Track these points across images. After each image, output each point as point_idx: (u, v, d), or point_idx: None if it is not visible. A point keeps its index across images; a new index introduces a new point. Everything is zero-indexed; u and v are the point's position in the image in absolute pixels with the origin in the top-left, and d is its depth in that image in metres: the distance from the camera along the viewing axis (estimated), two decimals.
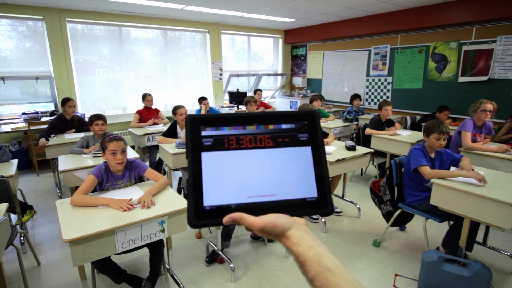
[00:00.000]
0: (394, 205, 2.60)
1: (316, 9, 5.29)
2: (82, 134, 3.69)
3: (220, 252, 2.43)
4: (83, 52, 5.45)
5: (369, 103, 6.48)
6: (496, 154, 2.91)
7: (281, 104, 7.79)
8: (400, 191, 2.62)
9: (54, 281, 2.27)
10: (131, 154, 2.90)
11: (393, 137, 3.70)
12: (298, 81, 7.98)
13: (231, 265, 2.30)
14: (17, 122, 4.92)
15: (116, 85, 5.89)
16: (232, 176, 0.48)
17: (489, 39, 4.62)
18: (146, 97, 4.65)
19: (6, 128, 4.64)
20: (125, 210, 1.79)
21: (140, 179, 2.30)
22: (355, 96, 5.40)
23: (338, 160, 2.83)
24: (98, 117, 3.16)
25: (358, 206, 3.31)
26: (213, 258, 2.47)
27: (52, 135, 3.75)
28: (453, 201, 2.09)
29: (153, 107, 4.79)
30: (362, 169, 4.62)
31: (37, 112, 5.02)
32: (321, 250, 0.44)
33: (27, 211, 3.12)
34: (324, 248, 0.45)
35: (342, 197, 3.50)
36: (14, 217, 3.07)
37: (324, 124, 4.63)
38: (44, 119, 4.82)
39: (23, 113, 4.95)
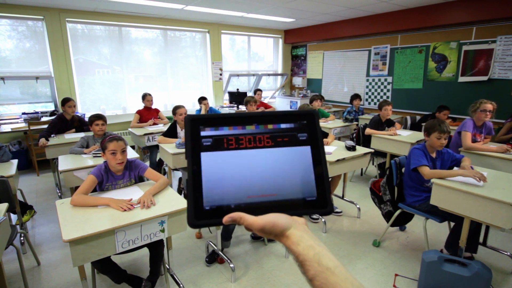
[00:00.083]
0: (394, 205, 2.60)
1: (316, 9, 5.29)
2: (82, 134, 3.69)
3: (220, 252, 2.43)
4: (83, 52, 5.45)
5: (369, 103, 6.48)
6: (496, 154, 2.91)
7: (281, 104, 7.79)
8: (400, 191, 2.62)
9: (54, 281, 2.27)
10: (131, 154, 2.90)
11: (393, 137, 3.70)
12: (298, 81, 7.98)
13: (231, 265, 2.30)
14: (17, 122, 4.92)
15: (116, 85, 5.89)
16: (232, 176, 0.48)
17: (489, 39, 4.62)
18: (146, 97, 4.66)
19: (6, 128, 4.64)
20: (125, 210, 1.79)
21: (140, 179, 2.30)
22: (355, 96, 5.40)
23: (338, 160, 2.83)
24: (98, 117, 3.16)
25: (358, 206, 3.31)
26: (213, 258, 2.47)
27: (52, 135, 3.75)
28: (453, 201, 2.09)
29: (153, 107, 4.79)
30: (362, 169, 4.62)
31: (37, 112, 5.02)
32: (321, 250, 0.44)
33: (27, 211, 3.12)
34: (324, 247, 0.45)
35: (342, 197, 3.50)
36: (14, 217, 3.07)
37: (324, 124, 4.63)
38: (44, 119, 4.83)
39: (23, 113, 4.95)
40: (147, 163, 4.42)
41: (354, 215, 3.29)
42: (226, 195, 0.48)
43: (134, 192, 2.05)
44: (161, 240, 2.00)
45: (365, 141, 4.06)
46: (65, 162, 2.75)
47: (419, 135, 3.83)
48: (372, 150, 3.27)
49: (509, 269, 2.38)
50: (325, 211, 0.49)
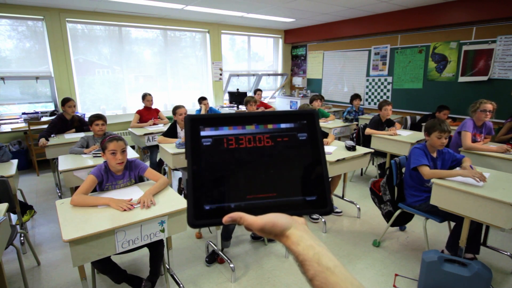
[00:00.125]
0: (394, 205, 2.60)
1: (316, 9, 5.29)
2: (82, 134, 3.69)
3: (220, 252, 2.43)
4: (83, 52, 5.45)
5: (369, 103, 6.48)
6: (496, 154, 2.91)
7: (281, 104, 7.78)
8: (400, 191, 2.62)
9: (54, 281, 2.27)
10: (131, 154, 2.90)
11: (393, 137, 3.70)
12: (298, 81, 7.98)
13: (231, 265, 2.30)
14: (17, 122, 4.92)
15: (116, 85, 5.89)
16: (232, 176, 0.48)
17: (489, 39, 4.62)
18: (146, 97, 4.66)
19: (6, 128, 4.64)
20: (124, 210, 1.79)
21: (140, 179, 2.30)
22: (355, 96, 5.39)
23: (338, 160, 2.83)
24: (98, 117, 3.16)
25: (358, 206, 3.31)
26: (213, 258, 2.47)
27: (52, 135, 3.75)
28: (453, 201, 2.08)
29: (153, 107, 4.79)
30: (362, 169, 4.62)
31: (37, 112, 5.02)
32: (321, 250, 0.44)
33: (27, 211, 3.12)
34: (324, 247, 0.45)
35: (342, 197, 3.50)
36: (14, 217, 3.07)
37: (324, 124, 4.63)
38: (44, 119, 4.83)
39: (23, 113, 4.95)
40: (147, 163, 4.43)
41: (354, 215, 3.29)
42: (226, 195, 0.48)
43: (134, 192, 2.05)
44: (161, 240, 2.00)
45: (365, 141, 4.06)
46: (65, 162, 2.75)
47: (419, 135, 3.83)
48: (372, 150, 3.27)
49: (509, 269, 2.37)
50: (325, 211, 0.49)
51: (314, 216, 3.15)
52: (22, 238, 2.72)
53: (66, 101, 3.94)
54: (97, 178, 2.04)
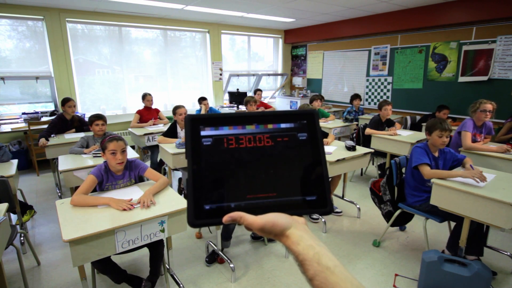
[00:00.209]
0: (394, 205, 2.60)
1: (316, 9, 5.29)
2: (82, 134, 3.69)
3: (220, 252, 2.43)
4: (83, 52, 5.45)
5: (369, 103, 6.48)
6: (496, 154, 2.91)
7: (281, 104, 7.78)
8: (400, 191, 2.62)
9: (54, 281, 2.27)
10: (131, 154, 2.90)
11: (393, 137, 3.70)
12: (298, 81, 7.98)
13: (231, 265, 2.30)
14: (17, 122, 4.92)
15: (116, 85, 5.89)
16: (232, 175, 0.48)
17: (489, 39, 4.62)
18: (146, 97, 4.66)
19: (6, 128, 4.64)
20: (124, 210, 1.79)
21: (140, 179, 2.30)
22: (355, 96, 5.39)
23: (338, 160, 2.83)
24: (98, 117, 3.16)
25: (358, 206, 3.31)
26: (213, 258, 2.47)
27: (52, 135, 3.75)
28: (453, 201, 2.08)
29: (153, 107, 4.79)
30: (362, 169, 4.62)
31: (37, 112, 5.02)
32: (321, 249, 0.44)
33: (27, 211, 3.12)
34: (324, 247, 0.45)
35: (342, 197, 3.50)
36: (14, 217, 3.07)
37: (324, 124, 4.63)
38: (44, 119, 4.83)
39: (23, 113, 4.95)
40: (148, 163, 4.43)
41: (354, 215, 3.29)
42: (226, 194, 0.48)
43: (134, 192, 2.05)
44: (161, 240, 2.00)
45: (365, 141, 4.06)
46: (65, 162, 2.75)
47: (419, 135, 3.83)
48: (372, 150, 3.27)
49: (509, 269, 2.37)
50: (325, 211, 0.49)
51: (314, 216, 3.15)
52: (22, 238, 2.72)
53: (66, 101, 3.94)
54: (97, 178, 2.04)
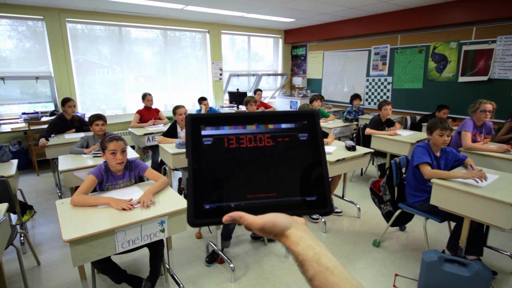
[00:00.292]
0: (394, 205, 2.60)
1: (316, 9, 5.29)
2: (82, 134, 3.69)
3: (220, 252, 2.43)
4: (83, 52, 5.45)
5: (369, 103, 6.48)
6: (496, 154, 2.92)
7: (281, 104, 7.79)
8: (400, 191, 2.62)
9: (54, 281, 2.27)
10: (131, 154, 2.90)
11: (393, 137, 3.70)
12: (298, 81, 7.98)
13: (231, 265, 2.30)
14: (17, 122, 4.92)
15: (116, 85, 5.89)
16: (232, 175, 0.48)
17: (489, 39, 4.63)
18: (146, 97, 4.66)
19: (6, 128, 4.64)
20: (124, 209, 1.79)
21: (140, 179, 2.30)
22: (355, 96, 5.40)
23: (338, 160, 2.83)
24: (98, 117, 3.16)
25: (358, 206, 3.31)
26: (213, 258, 2.47)
27: (52, 135, 3.75)
28: (453, 201, 2.08)
29: (153, 107, 4.79)
30: (362, 169, 4.62)
31: (37, 112, 5.02)
32: (320, 250, 0.44)
33: (27, 211, 3.12)
34: (323, 247, 0.45)
35: (342, 197, 3.50)
36: (14, 217, 3.07)
37: (324, 124, 4.63)
38: (44, 119, 4.83)
39: (23, 113, 4.95)
40: (148, 163, 4.43)
41: (354, 215, 3.29)
42: (226, 194, 0.48)
43: (134, 192, 2.05)
44: (161, 240, 2.00)
45: (365, 141, 4.06)
46: (65, 162, 2.75)
47: (419, 135, 3.83)
48: (372, 150, 3.27)
49: (509, 269, 2.38)
50: (325, 211, 0.49)
51: (314, 216, 3.15)
52: (22, 238, 2.72)
53: (66, 101, 3.94)
54: (97, 178, 2.04)
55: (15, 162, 2.81)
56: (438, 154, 2.45)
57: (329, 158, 2.79)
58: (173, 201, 1.96)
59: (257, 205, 0.48)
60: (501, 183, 2.12)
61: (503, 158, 2.86)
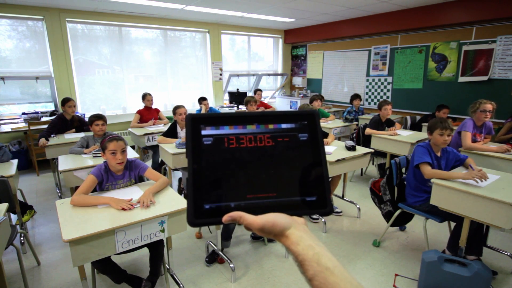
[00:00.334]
0: (394, 205, 2.60)
1: (316, 9, 5.29)
2: (82, 134, 3.69)
3: (220, 252, 2.43)
4: (83, 52, 5.45)
5: (369, 103, 6.48)
6: (496, 154, 2.92)
7: (281, 104, 7.79)
8: (400, 191, 2.62)
9: (54, 281, 2.27)
10: (131, 154, 2.90)
11: (393, 137, 3.70)
12: (298, 81, 7.98)
13: (231, 265, 2.30)
14: (17, 122, 4.92)
15: (116, 85, 5.89)
16: (232, 175, 0.48)
17: (489, 39, 4.62)
18: (146, 97, 4.66)
19: (6, 128, 4.64)
20: (124, 209, 1.79)
21: (140, 179, 2.30)
22: (355, 96, 5.40)
23: (338, 160, 2.83)
24: (98, 117, 3.16)
25: (358, 206, 3.31)
26: (213, 258, 2.47)
27: (52, 135, 3.75)
28: (453, 201, 2.08)
29: (153, 107, 4.79)
30: (362, 169, 4.62)
31: (37, 112, 5.02)
32: (320, 250, 0.44)
33: (27, 211, 3.12)
34: (323, 247, 0.45)
35: (342, 197, 3.50)
36: (14, 217, 3.07)
37: (324, 124, 4.63)
38: (44, 119, 4.83)
39: (23, 113, 4.95)
40: (148, 163, 4.43)
41: (354, 215, 3.29)
42: (226, 194, 0.48)
43: (134, 192, 2.05)
44: (161, 240, 2.00)
45: (365, 141, 4.06)
46: (65, 162, 2.75)
47: (419, 135, 3.83)
48: (372, 150, 3.27)
49: (509, 269, 2.38)
50: (325, 211, 0.49)
51: (314, 216, 3.15)
52: (22, 238, 2.72)
53: (66, 101, 3.94)
54: (97, 178, 2.04)
55: (15, 162, 2.81)
56: (439, 154, 2.44)
57: (329, 158, 2.79)
58: (173, 201, 1.96)
59: (257, 205, 0.48)
60: (501, 183, 2.12)
61: (503, 158, 2.86)
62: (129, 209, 1.81)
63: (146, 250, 2.05)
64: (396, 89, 5.97)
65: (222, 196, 0.47)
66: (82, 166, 2.67)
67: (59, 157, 2.94)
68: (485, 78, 4.70)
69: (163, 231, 1.85)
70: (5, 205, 1.94)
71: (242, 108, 6.34)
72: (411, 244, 2.74)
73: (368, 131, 3.96)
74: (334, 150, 3.09)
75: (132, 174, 2.22)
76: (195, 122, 0.49)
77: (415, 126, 4.99)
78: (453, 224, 2.35)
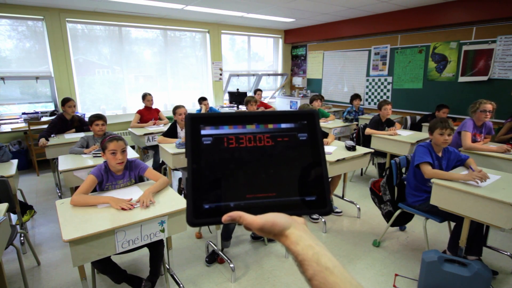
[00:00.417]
0: (394, 205, 2.60)
1: (316, 9, 5.29)
2: (82, 134, 3.69)
3: (220, 252, 2.43)
4: (83, 52, 5.45)
5: (369, 103, 6.48)
6: (496, 154, 2.92)
7: (281, 104, 7.79)
8: (400, 191, 2.62)
9: (54, 281, 2.27)
10: (131, 154, 2.90)
11: (393, 137, 3.70)
12: (298, 81, 7.98)
13: (231, 265, 2.30)
14: (17, 122, 4.92)
15: (116, 85, 5.89)
16: (231, 175, 0.48)
17: (489, 39, 4.62)
18: (146, 97, 4.66)
19: (6, 128, 4.64)
20: (123, 209, 1.79)
21: (140, 179, 2.30)
22: (355, 96, 5.39)
23: (338, 160, 2.83)
24: (98, 117, 3.16)
25: (358, 206, 3.31)
26: (213, 258, 2.47)
27: (52, 135, 3.75)
28: (453, 201, 2.08)
29: (153, 107, 4.79)
30: (362, 169, 4.62)
31: (37, 112, 5.02)
32: (320, 249, 0.44)
33: (27, 211, 3.12)
34: (323, 247, 0.45)
35: (342, 197, 3.50)
36: (14, 217, 3.07)
37: (324, 124, 4.63)
38: (44, 119, 4.83)
39: (23, 113, 4.95)
40: (149, 163, 4.43)
41: (354, 215, 3.29)
42: (225, 194, 0.48)
43: (134, 192, 2.05)
44: (161, 240, 2.00)
45: (365, 141, 4.06)
46: (65, 162, 2.75)
47: (419, 135, 3.83)
48: (372, 150, 3.27)
49: (509, 269, 2.37)
50: (325, 211, 0.49)
51: (314, 216, 3.15)
52: (22, 238, 2.72)
53: (66, 101, 3.94)
54: (97, 178, 2.04)
55: (15, 162, 2.81)
56: (440, 154, 2.44)
57: (329, 158, 2.79)
58: (173, 201, 1.96)
59: (256, 205, 0.48)
60: (501, 183, 2.12)
61: (503, 158, 2.86)
62: (129, 209, 1.81)
63: (146, 250, 2.05)
64: (396, 89, 5.97)
65: (221, 196, 0.47)
66: (82, 166, 2.67)
67: (59, 157, 2.94)
68: (485, 78, 4.70)
69: (163, 231, 1.85)
70: (5, 205, 1.94)
71: (242, 108, 6.34)
72: (411, 244, 2.74)
73: (368, 131, 3.96)
74: (334, 150, 3.09)
75: (132, 174, 2.22)
76: (195, 121, 0.49)
77: (415, 126, 4.98)
78: (453, 224, 2.35)
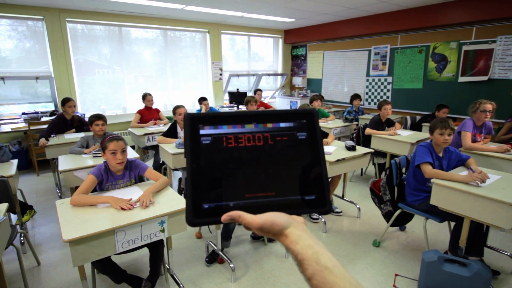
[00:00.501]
0: (394, 205, 2.60)
1: (316, 9, 5.29)
2: (82, 134, 3.69)
3: (220, 252, 2.43)
4: (83, 52, 5.45)
5: (369, 103, 6.48)
6: (496, 154, 2.91)
7: (281, 104, 7.79)
8: (400, 191, 2.62)
9: (54, 281, 2.27)
10: (131, 154, 2.90)
11: (393, 137, 3.70)
12: (298, 81, 7.98)
13: (231, 265, 2.30)
14: (17, 122, 4.92)
15: (116, 85, 5.89)
16: (231, 174, 0.48)
17: (489, 39, 4.62)
18: (146, 97, 4.66)
19: (6, 128, 4.64)
20: (123, 209, 1.79)
21: (140, 179, 2.30)
22: (355, 96, 5.39)
23: (338, 160, 2.83)
24: (98, 117, 3.16)
25: (358, 206, 3.31)
26: (213, 258, 2.47)
27: (52, 135, 3.76)
28: (453, 201, 2.08)
29: (153, 107, 4.79)
30: (362, 169, 4.62)
31: (37, 112, 5.02)
32: (319, 249, 0.44)
33: (27, 211, 3.12)
34: (322, 247, 0.45)
35: (342, 197, 3.50)
36: (14, 217, 3.07)
37: (324, 124, 4.63)
38: (44, 119, 4.83)
39: (23, 113, 4.95)
40: (149, 163, 4.43)
41: (354, 215, 3.29)
42: (225, 193, 0.48)
43: (134, 192, 2.05)
44: (161, 240, 2.00)
45: (365, 141, 4.06)
46: (65, 162, 2.75)
47: (419, 135, 3.83)
48: (372, 150, 3.27)
49: (509, 269, 2.37)
50: (324, 210, 0.49)
51: (314, 216, 3.15)
52: (22, 238, 2.72)
53: (66, 101, 3.94)
54: (97, 178, 2.04)
55: (15, 162, 2.81)
56: (440, 154, 2.44)
57: (329, 158, 2.79)
58: (173, 201, 1.96)
59: (256, 204, 0.48)
60: (501, 183, 2.12)
61: (503, 158, 2.86)
62: (129, 209, 1.81)
63: (146, 250, 2.05)
64: (396, 89, 5.97)
65: (221, 195, 0.47)
66: (82, 166, 2.67)
67: (59, 157, 2.94)
68: (485, 78, 4.70)
69: (163, 231, 1.85)
70: (5, 205, 1.94)
71: (242, 108, 6.34)
72: (411, 244, 2.74)
73: (368, 131, 3.96)
74: (334, 150, 3.09)
75: (132, 174, 2.22)
76: (194, 121, 0.49)
77: (415, 126, 4.98)
78: (453, 224, 2.35)
